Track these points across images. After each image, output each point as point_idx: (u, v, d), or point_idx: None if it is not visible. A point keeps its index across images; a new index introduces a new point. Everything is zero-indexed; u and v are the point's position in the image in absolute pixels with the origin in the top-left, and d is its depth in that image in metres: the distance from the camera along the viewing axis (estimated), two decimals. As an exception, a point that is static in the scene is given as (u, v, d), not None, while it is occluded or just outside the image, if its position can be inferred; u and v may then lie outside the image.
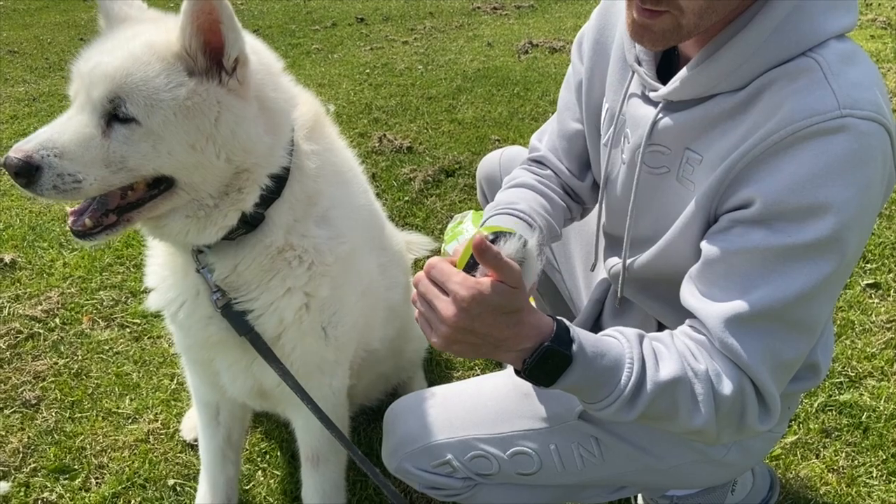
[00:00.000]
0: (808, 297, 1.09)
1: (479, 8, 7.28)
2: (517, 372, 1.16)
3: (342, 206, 1.53)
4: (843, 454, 2.02)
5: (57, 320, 2.61)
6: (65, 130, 1.23)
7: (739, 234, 1.12)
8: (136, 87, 1.21)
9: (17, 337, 2.51)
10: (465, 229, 2.81)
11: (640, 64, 1.33)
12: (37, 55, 5.72)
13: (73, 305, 2.69)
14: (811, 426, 2.11)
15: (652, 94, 1.30)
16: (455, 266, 1.12)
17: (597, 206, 1.63)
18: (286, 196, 1.41)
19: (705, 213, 1.19)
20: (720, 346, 1.13)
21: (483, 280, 1.06)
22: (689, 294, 1.20)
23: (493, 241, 1.10)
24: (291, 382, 1.42)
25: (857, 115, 1.04)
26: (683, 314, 1.32)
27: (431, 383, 2.33)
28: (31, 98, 4.79)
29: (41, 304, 2.67)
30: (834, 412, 2.16)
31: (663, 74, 1.32)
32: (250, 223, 1.40)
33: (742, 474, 1.75)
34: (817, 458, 2.02)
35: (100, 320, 2.62)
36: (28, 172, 1.20)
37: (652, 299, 1.44)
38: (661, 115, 1.28)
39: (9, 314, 2.63)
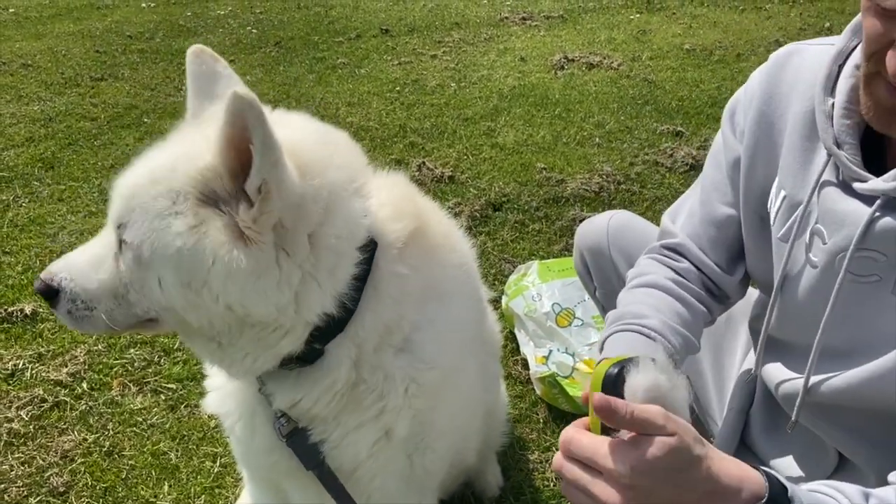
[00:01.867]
0: None
1: (507, 18, 7.02)
2: None
3: (432, 326, 1.26)
4: None
5: (84, 385, 2.36)
6: (86, 250, 1.19)
7: None
8: (136, 210, 1.07)
9: (41, 406, 2.27)
10: (531, 283, 2.55)
11: (839, 147, 1.08)
12: (52, 69, 5.47)
13: (100, 367, 2.45)
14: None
15: (859, 187, 1.05)
16: (590, 429, 0.89)
17: (752, 304, 1.38)
18: (351, 332, 1.17)
19: None
20: None
21: (637, 441, 0.82)
22: None
23: (617, 377, 0.88)
24: None
25: None
26: (883, 452, 1.08)
27: (504, 467, 2.08)
28: (48, 118, 4.55)
29: (66, 366, 2.43)
30: None
31: (867, 162, 1.07)
32: (303, 359, 1.17)
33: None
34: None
35: (131, 384, 2.38)
36: (49, 295, 1.17)
37: (837, 428, 1.19)
38: (878, 214, 1.03)
39: (31, 378, 2.38)
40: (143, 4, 7.58)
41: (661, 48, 6.01)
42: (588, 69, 5.54)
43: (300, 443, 1.23)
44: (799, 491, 0.88)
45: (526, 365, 2.48)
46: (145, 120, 4.59)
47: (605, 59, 5.70)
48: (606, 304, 1.78)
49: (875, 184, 1.02)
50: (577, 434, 0.89)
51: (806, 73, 1.17)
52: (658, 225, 1.55)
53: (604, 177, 3.76)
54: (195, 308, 1.07)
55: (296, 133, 1.11)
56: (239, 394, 1.32)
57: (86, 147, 4.17)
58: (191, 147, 1.09)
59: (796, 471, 1.31)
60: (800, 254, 1.18)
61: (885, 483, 1.01)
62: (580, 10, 7.28)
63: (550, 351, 2.34)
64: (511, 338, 2.61)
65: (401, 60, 5.74)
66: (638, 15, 7.09)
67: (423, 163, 3.90)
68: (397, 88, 5.13)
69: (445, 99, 4.95)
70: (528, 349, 2.42)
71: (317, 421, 1.23)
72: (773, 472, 0.88)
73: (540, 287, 2.51)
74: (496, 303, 2.79)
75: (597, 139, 4.30)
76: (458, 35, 6.51)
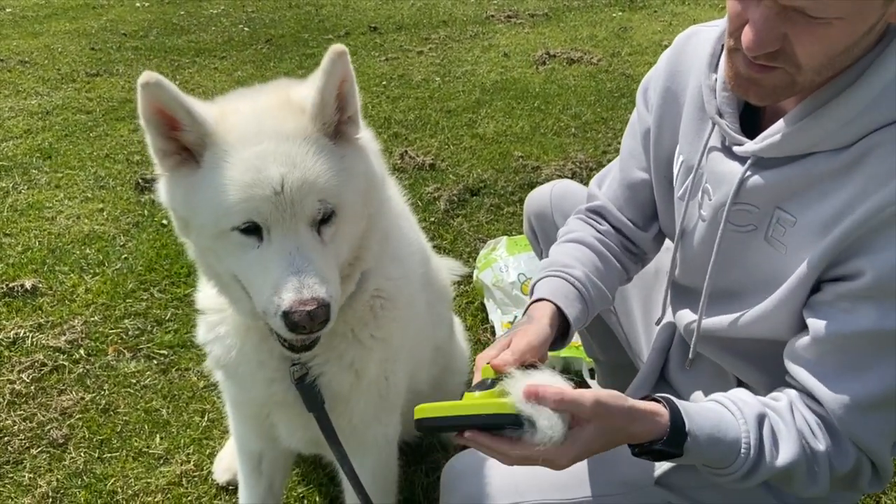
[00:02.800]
0: None
1: (493, 16, 7.20)
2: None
3: (403, 241, 1.47)
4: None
5: (81, 351, 2.54)
6: (311, 253, 1.16)
7: (847, 311, 1.07)
8: (329, 182, 1.17)
9: (41, 370, 2.44)
10: (500, 256, 2.73)
11: (721, 116, 1.26)
12: (48, 66, 5.64)
13: (97, 335, 2.62)
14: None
15: (738, 149, 1.22)
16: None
17: (657, 255, 1.56)
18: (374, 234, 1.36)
19: (812, 283, 1.12)
20: (841, 427, 1.10)
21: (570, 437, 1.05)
22: (801, 370, 1.15)
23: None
24: (347, 468, 1.37)
25: None
26: (770, 374, 1.27)
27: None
28: (45, 111, 4.71)
29: (65, 335, 2.60)
30: None
31: (746, 128, 1.25)
32: None
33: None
34: (879, 505, 1.95)
35: (125, 351, 2.55)
36: (327, 319, 1.15)
37: (734, 356, 1.37)
38: (749, 173, 1.20)
39: (32, 345, 2.55)
40: (138, 4, 7.75)
41: (640, 44, 6.20)
42: (569, 64, 5.72)
43: (307, 388, 1.37)
44: (694, 416, 1.09)
45: (493, 332, 2.66)
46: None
47: (585, 54, 5.88)
48: None
49: (748, 146, 1.19)
50: (513, 452, 1.06)
51: (701, 52, 1.35)
52: None
53: (577, 164, 3.95)
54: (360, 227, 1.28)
55: None
56: (248, 345, 1.42)
57: (82, 138, 4.34)
58: (300, 114, 1.20)
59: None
60: (694, 210, 1.36)
61: None
62: (564, 9, 7.46)
63: (515, 316, 2.52)
64: (481, 308, 2.78)
65: (388, 56, 5.92)
66: (620, 13, 7.28)
67: (406, 151, 4.08)
68: (383, 83, 5.31)
69: (430, 92, 5.13)
70: (495, 316, 2.60)
71: (325, 349, 1.38)
72: (679, 406, 1.10)
73: (507, 259, 2.69)
74: (470, 278, 2.97)
75: (573, 129, 4.48)
76: (445, 32, 6.69)
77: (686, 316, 1.44)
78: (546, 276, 1.45)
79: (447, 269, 2.90)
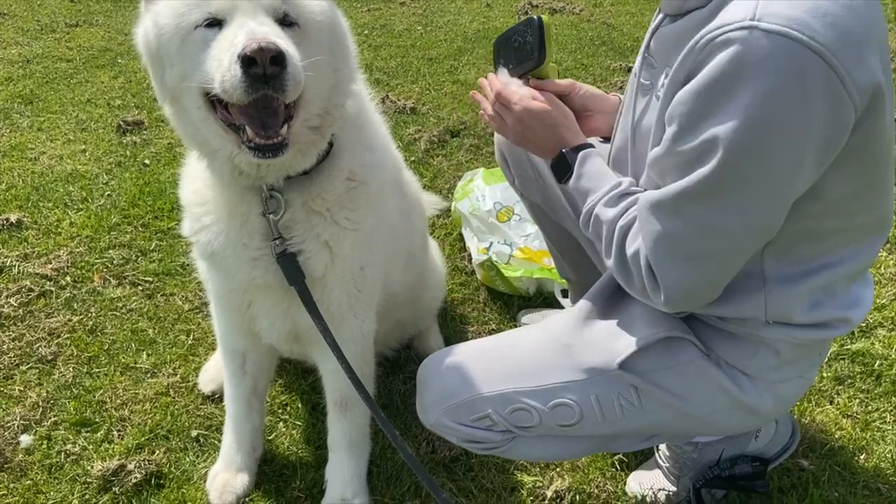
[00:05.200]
0: (690, 195, 1.16)
1: (475, -31, 7.16)
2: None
3: (378, 136, 1.55)
4: (857, 401, 2.06)
5: (68, 278, 2.59)
6: (269, 29, 1.18)
7: (665, 135, 1.21)
8: None
9: (28, 295, 2.50)
10: (477, 186, 2.80)
11: None
12: (27, 17, 5.59)
13: (83, 264, 2.67)
14: (825, 374, 2.14)
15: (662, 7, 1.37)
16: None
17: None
18: (347, 117, 1.42)
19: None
20: (640, 220, 1.29)
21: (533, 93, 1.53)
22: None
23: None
24: (329, 339, 1.43)
25: (761, 28, 1.02)
26: None
27: (446, 337, 2.35)
28: (26, 60, 4.69)
29: (51, 263, 2.65)
30: (847, 361, 2.19)
31: None
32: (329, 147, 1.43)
33: (770, 422, 1.77)
34: (832, 404, 2.05)
35: (111, 278, 2.61)
36: (282, 62, 1.14)
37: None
38: (658, 26, 1.34)
39: (19, 272, 2.60)
40: (117, -42, 7.64)
41: (622, -5, 6.21)
42: (551, 14, 5.73)
43: (287, 260, 1.43)
44: (592, 155, 1.45)
45: (471, 259, 2.74)
46: (119, 61, 4.75)
47: (567, 4, 5.89)
48: (525, 190, 2.04)
49: (663, 4, 1.31)
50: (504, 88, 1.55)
51: None
52: None
53: (556, 106, 3.99)
54: (323, 76, 1.31)
55: None
56: (232, 226, 1.47)
57: (63, 85, 4.33)
58: None
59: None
60: (635, 80, 1.47)
61: None
62: (548, -38, 7.43)
63: (491, 243, 2.59)
64: (459, 238, 2.86)
65: (370, 7, 5.91)
66: (603, -34, 7.27)
67: (387, 96, 4.11)
68: (365, 32, 5.31)
69: (412, 41, 5.14)
70: (472, 243, 2.67)
71: (301, 229, 1.45)
72: (591, 143, 1.48)
73: (484, 189, 2.76)
74: (449, 212, 3.04)
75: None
76: (428, -15, 6.66)
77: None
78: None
79: (428, 202, 2.98)
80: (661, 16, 1.36)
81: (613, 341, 1.44)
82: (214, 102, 1.24)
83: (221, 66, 1.15)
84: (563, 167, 1.48)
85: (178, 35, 1.22)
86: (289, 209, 1.43)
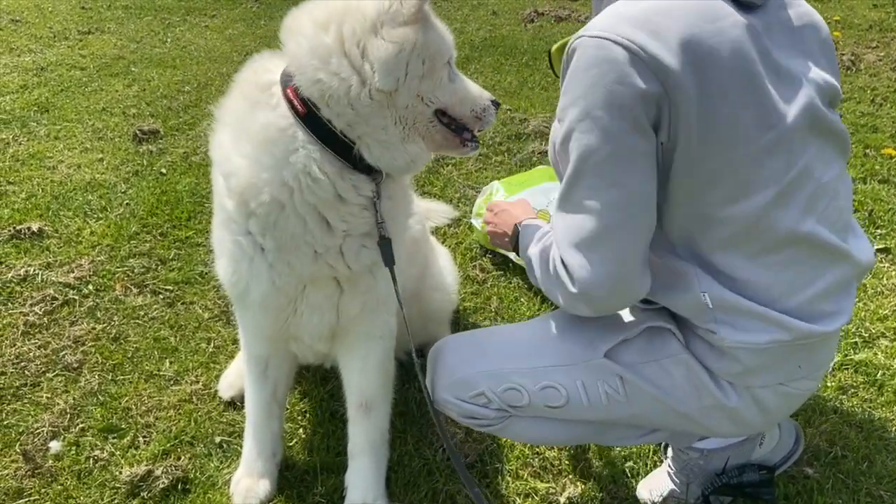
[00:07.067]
0: (571, 181, 1.35)
1: (481, -24, 7.23)
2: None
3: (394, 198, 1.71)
4: (860, 410, 2.12)
5: (90, 287, 2.66)
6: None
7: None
8: None
9: (52, 303, 2.57)
10: (500, 199, 2.84)
11: None
12: (40, 24, 5.67)
13: (104, 273, 2.74)
14: (829, 384, 2.20)
15: None
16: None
17: None
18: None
19: None
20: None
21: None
22: None
23: None
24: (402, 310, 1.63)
25: (587, 35, 1.32)
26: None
27: (460, 346, 2.41)
28: (40, 67, 4.77)
29: (73, 272, 2.72)
30: (850, 370, 2.25)
31: None
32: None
33: (768, 430, 1.84)
34: (836, 413, 2.12)
35: (132, 287, 2.68)
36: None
37: None
38: None
39: (42, 281, 2.67)
40: (126, -36, 7.72)
41: (627, 3, 6.28)
42: (557, 22, 5.81)
43: (387, 244, 1.57)
44: (529, 225, 1.67)
45: (483, 269, 2.80)
46: (133, 69, 4.83)
47: (573, 12, 5.96)
48: None
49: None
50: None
51: None
52: None
53: (564, 115, 4.06)
54: None
55: None
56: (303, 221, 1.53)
57: (78, 93, 4.41)
58: None
59: None
60: None
61: None
62: (553, -31, 7.51)
63: None
64: (470, 248, 2.93)
65: (378, 15, 5.98)
66: (608, -27, 7.33)
67: (397, 105, 4.18)
68: (374, 40, 5.37)
69: (420, 49, 5.20)
70: (512, 255, 2.71)
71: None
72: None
73: (511, 200, 2.80)
74: (459, 220, 3.11)
75: (560, 84, 4.58)
76: (434, -8, 6.73)
77: None
78: None
79: (438, 212, 3.05)
80: None
81: (601, 331, 1.55)
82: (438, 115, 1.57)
83: (475, 101, 1.62)
84: (517, 239, 1.70)
85: (442, 62, 1.52)
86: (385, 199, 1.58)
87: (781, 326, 1.39)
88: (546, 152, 2.57)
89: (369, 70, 1.42)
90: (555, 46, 1.70)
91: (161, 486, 1.89)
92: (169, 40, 5.44)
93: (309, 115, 1.45)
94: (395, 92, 1.46)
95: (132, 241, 2.93)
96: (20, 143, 3.75)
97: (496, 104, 1.66)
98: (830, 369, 2.25)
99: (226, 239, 1.61)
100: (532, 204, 2.77)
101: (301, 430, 2.11)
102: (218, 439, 2.06)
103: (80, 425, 2.10)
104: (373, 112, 1.46)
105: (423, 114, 1.52)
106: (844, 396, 2.17)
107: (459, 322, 2.53)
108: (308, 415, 2.16)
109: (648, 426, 1.64)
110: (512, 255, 2.74)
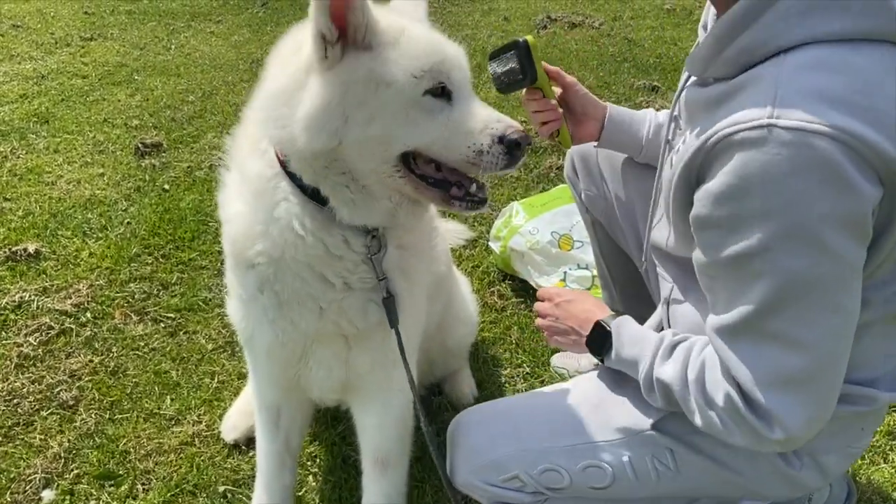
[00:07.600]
0: (769, 308, 1.07)
1: (492, -20, 7.09)
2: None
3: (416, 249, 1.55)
4: (912, 458, 1.97)
5: (88, 314, 2.52)
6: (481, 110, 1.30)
7: (697, 240, 1.16)
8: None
9: (48, 333, 2.43)
10: (522, 222, 2.69)
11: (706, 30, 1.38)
12: (42, 30, 5.54)
13: (103, 298, 2.60)
14: (878, 429, 2.05)
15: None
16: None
17: None
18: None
19: (672, 205, 1.23)
20: (717, 353, 1.18)
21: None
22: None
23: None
24: (409, 377, 1.44)
25: (780, 125, 0.99)
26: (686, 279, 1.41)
27: (478, 381, 2.27)
28: (41, 75, 4.64)
29: (70, 298, 2.58)
30: (898, 413, 2.11)
31: None
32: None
33: (820, 489, 1.69)
34: (886, 462, 1.97)
35: (132, 314, 2.54)
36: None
37: (664, 263, 1.52)
38: (684, 89, 1.31)
39: (38, 308, 2.54)
40: (130, -33, 7.59)
41: (642, 8, 6.13)
42: (570, 28, 5.66)
43: (391, 304, 1.40)
44: (625, 326, 1.41)
45: (501, 295, 2.66)
46: (136, 77, 4.69)
47: (587, 18, 5.82)
48: (591, 206, 1.99)
49: (687, 63, 1.25)
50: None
51: None
52: None
53: (581, 128, 3.91)
54: None
55: None
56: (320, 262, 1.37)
57: (79, 103, 4.27)
58: None
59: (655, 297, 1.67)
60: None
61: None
62: (565, -28, 7.35)
63: (565, 273, 2.52)
64: (487, 272, 2.78)
65: (387, 21, 5.84)
66: (621, -23, 7.18)
67: (408, 116, 4.04)
68: (383, 47, 5.24)
69: (430, 57, 5.06)
70: (542, 280, 2.57)
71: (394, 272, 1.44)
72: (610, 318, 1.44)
73: (531, 223, 2.66)
74: (475, 241, 2.97)
75: (576, 94, 4.44)
76: (444, -4, 6.59)
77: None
78: None
79: (452, 232, 2.90)
80: (687, 74, 1.33)
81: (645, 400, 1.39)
82: (411, 162, 1.28)
83: (464, 140, 1.24)
84: (598, 340, 1.45)
85: (404, 96, 1.20)
86: (390, 252, 1.40)
87: (866, 398, 1.26)
88: (563, 167, 2.41)
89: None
90: (530, 38, 1.56)
91: (160, 542, 1.76)
92: (173, 47, 5.30)
93: (284, 167, 1.29)
94: (338, 146, 1.21)
95: (132, 264, 2.79)
96: (18, 157, 3.61)
97: (518, 142, 1.24)
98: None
99: (234, 283, 1.49)
100: (555, 228, 2.65)
101: (311, 478, 1.97)
102: (222, 488, 1.91)
103: (75, 471, 1.96)
104: (328, 167, 1.24)
105: (385, 162, 1.24)
106: (895, 442, 2.02)
107: (478, 354, 2.38)
108: (318, 459, 2.02)
109: (691, 497, 1.50)
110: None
